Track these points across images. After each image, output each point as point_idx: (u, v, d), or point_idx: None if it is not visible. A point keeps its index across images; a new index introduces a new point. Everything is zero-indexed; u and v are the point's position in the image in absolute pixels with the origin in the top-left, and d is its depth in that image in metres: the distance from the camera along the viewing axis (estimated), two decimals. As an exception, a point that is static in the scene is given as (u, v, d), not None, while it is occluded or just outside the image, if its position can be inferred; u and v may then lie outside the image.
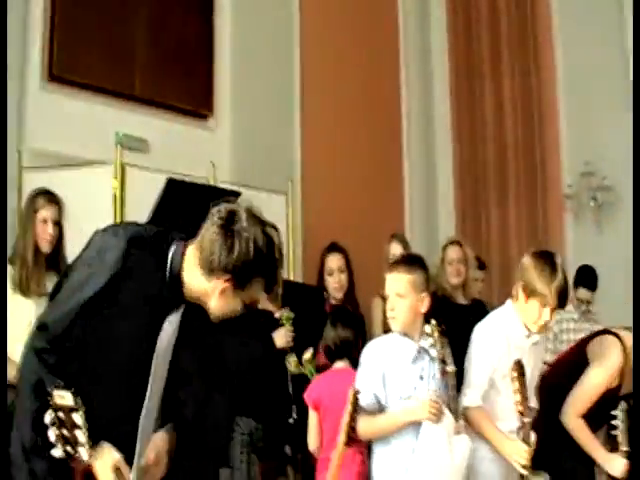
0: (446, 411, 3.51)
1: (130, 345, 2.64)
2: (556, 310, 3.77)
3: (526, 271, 3.77)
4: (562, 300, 3.74)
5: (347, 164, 7.42)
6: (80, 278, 2.64)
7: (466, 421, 3.68)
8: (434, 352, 3.58)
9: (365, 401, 3.46)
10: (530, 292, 3.72)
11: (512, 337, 3.80)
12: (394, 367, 3.59)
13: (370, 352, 3.68)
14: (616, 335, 4.24)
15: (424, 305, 3.66)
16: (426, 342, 3.62)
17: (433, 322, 3.61)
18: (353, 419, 3.13)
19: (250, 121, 6.78)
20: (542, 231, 7.66)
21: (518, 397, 3.56)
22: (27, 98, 5.59)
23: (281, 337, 4.68)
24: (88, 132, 5.74)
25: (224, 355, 3.38)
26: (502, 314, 3.93)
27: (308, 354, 4.72)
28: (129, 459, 2.59)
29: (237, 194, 5.27)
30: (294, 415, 4.56)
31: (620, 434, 3.98)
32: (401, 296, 3.61)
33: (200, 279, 2.61)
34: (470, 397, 3.75)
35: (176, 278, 2.64)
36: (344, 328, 3.70)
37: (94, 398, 2.51)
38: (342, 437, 3.11)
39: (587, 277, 6.24)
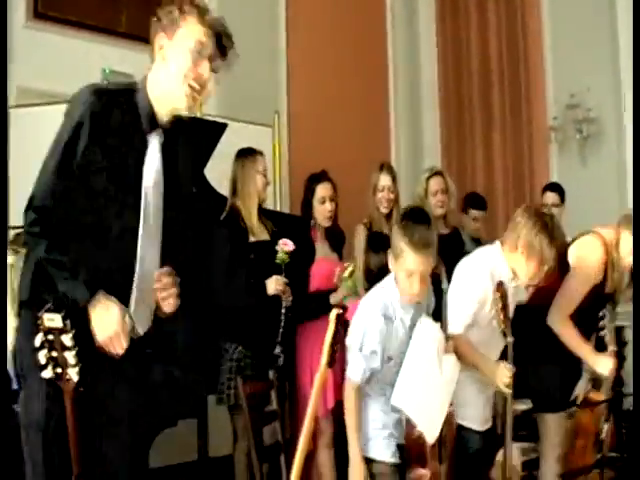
0: (437, 327, 3.61)
1: (115, 188, 2.75)
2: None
3: (524, 228, 3.86)
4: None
5: (333, 96, 7.46)
6: (54, 142, 2.80)
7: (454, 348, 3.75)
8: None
9: (357, 376, 3.50)
10: (529, 250, 3.82)
11: (497, 276, 3.85)
12: (390, 332, 3.56)
13: (370, 317, 3.58)
14: (594, 232, 4.31)
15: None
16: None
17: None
18: (335, 340, 3.21)
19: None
20: (527, 164, 7.71)
21: (501, 316, 3.67)
22: (13, 35, 5.57)
23: (272, 283, 4.77)
24: (75, 69, 5.74)
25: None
26: (489, 253, 4.01)
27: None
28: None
29: (224, 125, 5.32)
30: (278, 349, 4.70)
31: (608, 334, 4.10)
32: (426, 278, 3.56)
33: (154, 71, 2.86)
34: (454, 325, 3.85)
35: (143, 95, 2.84)
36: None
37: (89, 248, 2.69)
38: (325, 358, 3.18)
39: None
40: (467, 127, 8.16)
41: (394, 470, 3.63)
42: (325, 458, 4.85)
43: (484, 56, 8.04)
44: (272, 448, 3.90)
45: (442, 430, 3.59)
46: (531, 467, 4.50)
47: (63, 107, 5.29)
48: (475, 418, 4.00)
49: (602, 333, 4.18)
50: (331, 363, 3.20)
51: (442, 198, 5.52)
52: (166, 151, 2.91)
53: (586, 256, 4.25)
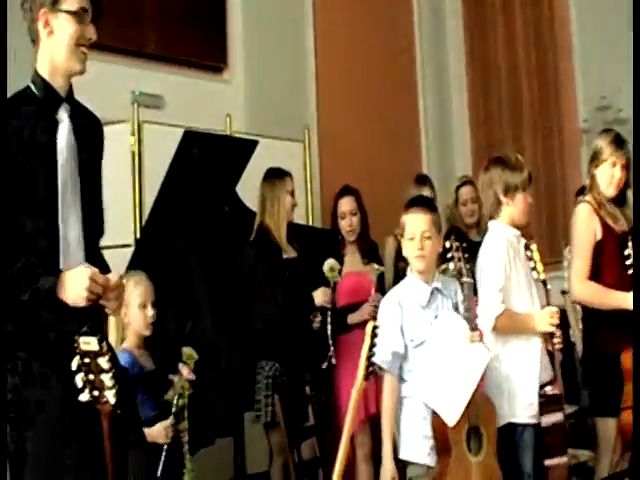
0: (460, 319, 3.70)
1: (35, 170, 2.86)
2: None
3: (494, 177, 4.07)
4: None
5: (362, 108, 7.46)
6: None
7: (496, 330, 3.87)
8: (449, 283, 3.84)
9: (380, 358, 3.57)
10: (508, 191, 4.01)
11: (513, 242, 4.02)
12: (409, 316, 3.73)
13: (387, 305, 3.83)
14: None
15: (440, 245, 3.84)
16: (438, 282, 3.81)
17: (452, 237, 3.84)
18: (371, 353, 3.22)
19: (264, 71, 6.82)
20: (559, 167, 7.67)
21: (536, 265, 3.95)
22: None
23: (320, 295, 4.81)
24: (104, 93, 5.80)
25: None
26: (499, 225, 4.08)
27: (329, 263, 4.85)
28: None
29: (254, 142, 5.35)
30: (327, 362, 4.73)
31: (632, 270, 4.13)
32: (428, 236, 3.76)
33: (40, 50, 2.95)
34: (493, 307, 3.89)
35: (35, 77, 2.94)
36: None
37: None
38: (361, 371, 3.20)
39: None
40: (497, 132, 8.13)
41: (429, 472, 3.65)
42: (364, 472, 4.83)
43: (512, 59, 8.01)
44: (310, 463, 3.91)
45: (478, 421, 3.61)
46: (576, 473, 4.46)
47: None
48: (526, 409, 3.93)
49: (629, 272, 4.16)
50: (367, 376, 3.21)
51: (472, 207, 5.56)
52: (75, 121, 3.00)
53: (575, 219, 4.40)
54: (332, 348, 4.74)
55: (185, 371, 3.91)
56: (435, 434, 3.62)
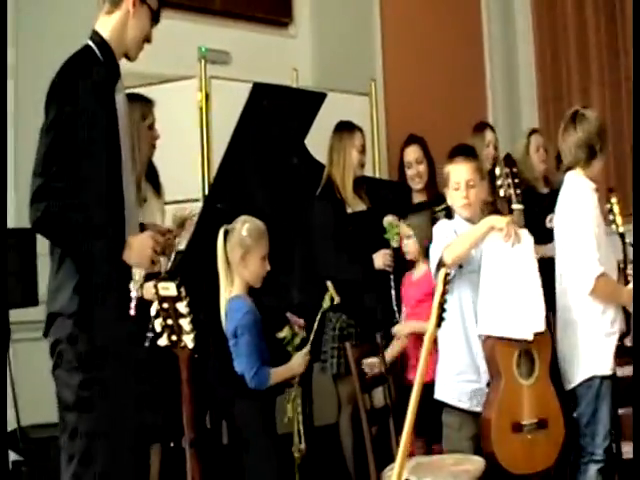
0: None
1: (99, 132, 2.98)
2: None
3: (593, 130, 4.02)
4: None
5: (428, 61, 7.41)
6: None
7: (594, 293, 3.84)
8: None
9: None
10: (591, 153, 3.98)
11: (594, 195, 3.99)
12: None
13: (443, 228, 3.89)
14: None
15: (484, 191, 3.95)
16: None
17: (502, 164, 3.92)
18: (443, 300, 3.22)
19: (330, 25, 6.81)
20: (627, 119, 7.51)
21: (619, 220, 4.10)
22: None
23: (380, 258, 4.82)
24: (171, 49, 5.84)
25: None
26: (581, 177, 4.03)
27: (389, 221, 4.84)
28: None
29: (323, 95, 5.35)
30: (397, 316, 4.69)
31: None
32: (472, 185, 3.81)
33: (113, 19, 3.10)
34: (593, 267, 3.83)
35: (101, 42, 3.09)
36: None
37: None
38: (433, 318, 3.20)
39: None
40: (564, 84, 7.99)
41: (467, 422, 3.73)
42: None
43: (580, 9, 7.85)
44: (381, 411, 3.95)
45: (529, 344, 3.65)
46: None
47: (162, 87, 5.48)
48: (602, 362, 3.93)
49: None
50: (439, 323, 3.21)
51: (544, 154, 5.47)
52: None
53: None
54: (397, 315, 4.68)
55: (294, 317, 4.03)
56: (487, 359, 3.69)
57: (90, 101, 2.94)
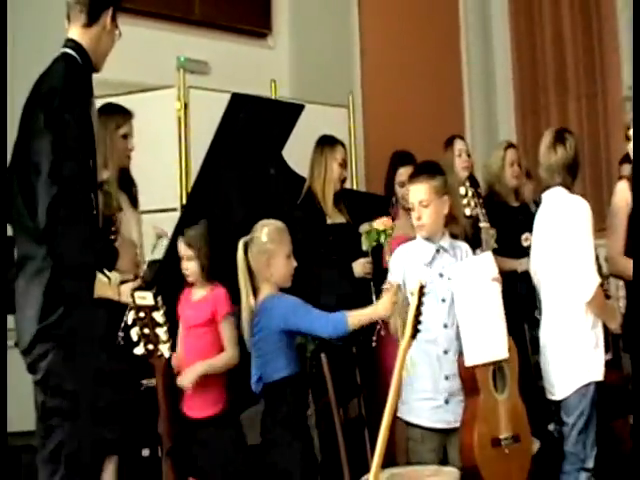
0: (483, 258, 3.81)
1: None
2: None
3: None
4: None
5: (406, 74, 7.45)
6: None
7: (593, 302, 3.95)
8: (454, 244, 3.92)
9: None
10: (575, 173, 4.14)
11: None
12: (412, 272, 3.80)
13: (394, 260, 3.96)
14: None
15: (446, 207, 3.88)
16: (445, 242, 3.89)
17: (467, 184, 4.01)
18: (419, 312, 3.21)
19: (309, 36, 6.85)
20: (603, 133, 7.60)
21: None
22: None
23: (359, 266, 4.81)
24: (150, 59, 5.84)
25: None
26: (567, 194, 4.12)
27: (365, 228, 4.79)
28: None
29: (301, 106, 5.36)
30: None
31: None
32: (425, 204, 3.82)
33: (91, 32, 3.28)
34: (593, 277, 3.96)
35: (82, 53, 3.25)
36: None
37: None
38: (409, 331, 3.19)
39: None
40: (541, 99, 8.06)
41: (429, 435, 3.75)
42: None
43: (557, 24, 7.93)
44: (355, 422, 3.95)
45: (502, 360, 3.74)
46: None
47: (140, 96, 5.47)
48: (597, 369, 4.03)
49: None
50: (414, 336, 3.21)
51: (518, 170, 5.49)
52: None
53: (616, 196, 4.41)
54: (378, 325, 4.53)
55: None
56: (462, 377, 3.73)
57: (88, 116, 3.14)
